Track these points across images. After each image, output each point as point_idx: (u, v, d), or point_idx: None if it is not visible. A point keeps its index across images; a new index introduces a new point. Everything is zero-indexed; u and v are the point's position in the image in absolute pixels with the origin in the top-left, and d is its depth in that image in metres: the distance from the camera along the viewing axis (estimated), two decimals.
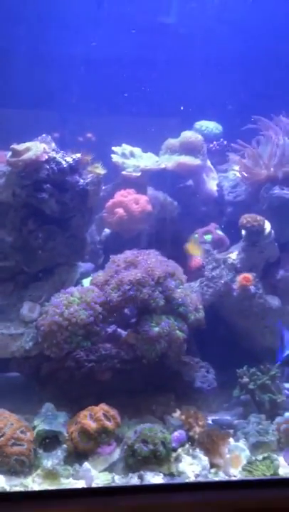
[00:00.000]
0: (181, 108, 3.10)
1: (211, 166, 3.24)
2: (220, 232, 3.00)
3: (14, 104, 3.15)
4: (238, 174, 3.02)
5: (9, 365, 2.52)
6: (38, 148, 2.36)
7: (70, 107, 3.30)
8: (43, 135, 2.51)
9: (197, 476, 2.01)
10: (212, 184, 3.16)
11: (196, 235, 2.98)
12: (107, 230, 2.99)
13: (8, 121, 3.10)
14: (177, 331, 2.33)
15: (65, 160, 2.45)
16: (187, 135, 3.13)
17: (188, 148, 3.09)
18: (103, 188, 2.83)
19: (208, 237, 2.96)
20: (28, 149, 2.36)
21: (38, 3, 3.25)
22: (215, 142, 3.31)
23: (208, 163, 3.22)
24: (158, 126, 3.31)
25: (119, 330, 2.48)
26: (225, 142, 3.29)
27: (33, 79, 3.29)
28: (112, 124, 3.31)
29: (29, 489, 1.91)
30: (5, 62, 3.23)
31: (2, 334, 2.40)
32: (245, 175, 2.99)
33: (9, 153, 2.41)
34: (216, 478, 2.00)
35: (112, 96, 3.41)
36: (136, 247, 2.62)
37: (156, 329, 2.29)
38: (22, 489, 1.90)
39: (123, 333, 2.47)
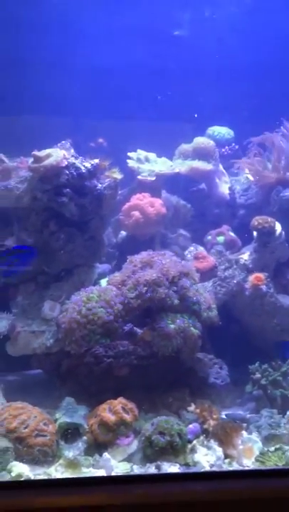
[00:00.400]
0: (196, 116, 3.19)
1: (223, 170, 3.33)
2: (232, 234, 3.08)
3: (27, 111, 3.25)
4: (250, 177, 3.10)
5: (31, 361, 2.62)
6: (58, 154, 2.48)
7: (84, 113, 3.39)
8: (63, 142, 2.62)
9: (212, 465, 2.06)
10: (224, 187, 3.24)
11: (209, 237, 3.07)
12: (123, 232, 3.08)
13: (22, 127, 3.20)
14: (192, 328, 2.42)
15: (84, 165, 2.56)
16: (200, 141, 3.23)
17: (201, 154, 3.18)
18: (119, 192, 2.93)
19: (220, 239, 3.04)
20: (48, 155, 2.48)
21: (57, 13, 3.35)
22: (227, 147, 3.40)
23: (221, 167, 3.31)
24: (171, 131, 3.41)
25: (135, 328, 2.56)
26: (236, 147, 3.38)
27: (46, 86, 3.38)
28: (126, 129, 3.40)
29: (52, 477, 1.99)
30: (20, 69, 3.34)
31: (24, 332, 2.51)
32: (254, 177, 3.08)
33: (31, 160, 2.53)
34: (230, 468, 2.09)
35: (126, 102, 3.50)
36: (151, 248, 2.71)
37: (172, 326, 2.38)
38: (46, 477, 1.99)
39: (139, 331, 2.54)
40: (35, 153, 2.49)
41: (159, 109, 3.36)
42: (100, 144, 3.22)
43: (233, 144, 3.42)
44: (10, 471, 1.97)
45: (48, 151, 2.51)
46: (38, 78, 3.36)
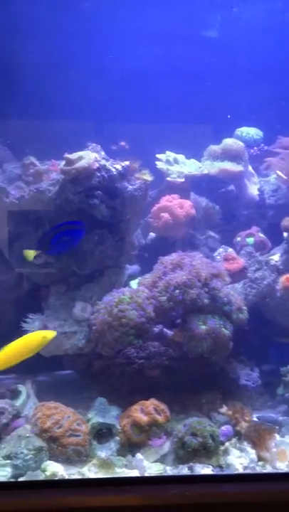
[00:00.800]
0: (228, 116, 3.17)
1: (252, 171, 3.31)
2: (262, 235, 3.04)
3: (50, 115, 3.27)
4: (281, 174, 3.06)
5: (62, 362, 2.64)
6: (89, 157, 2.50)
7: (107, 116, 3.41)
8: (94, 144, 2.64)
9: (245, 468, 2.06)
10: (253, 188, 3.22)
11: (239, 238, 3.05)
12: (152, 234, 3.08)
13: (45, 131, 3.22)
14: (223, 329, 2.41)
15: (115, 167, 2.57)
16: (229, 142, 3.21)
17: (230, 155, 3.17)
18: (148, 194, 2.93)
19: (250, 240, 3.01)
20: (80, 158, 2.50)
21: (87, 17, 3.36)
22: (256, 148, 3.38)
23: (250, 168, 3.29)
24: (199, 133, 3.39)
25: (165, 329, 2.57)
26: (265, 147, 3.36)
27: (73, 89, 3.40)
28: (153, 132, 3.40)
29: (86, 477, 2.00)
30: (48, 73, 3.36)
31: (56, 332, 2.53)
32: (284, 177, 3.05)
33: (62, 162, 2.55)
34: (264, 471, 2.07)
35: (153, 104, 3.50)
36: (180, 250, 2.70)
37: (203, 327, 2.38)
38: (79, 477, 2.00)
39: (169, 332, 2.55)
40: (67, 155, 2.51)
41: (187, 110, 3.35)
42: (122, 146, 3.22)
43: (262, 145, 3.40)
44: (44, 470, 2.00)
45: (79, 153, 2.53)
46: (65, 82, 3.38)
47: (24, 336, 2.19)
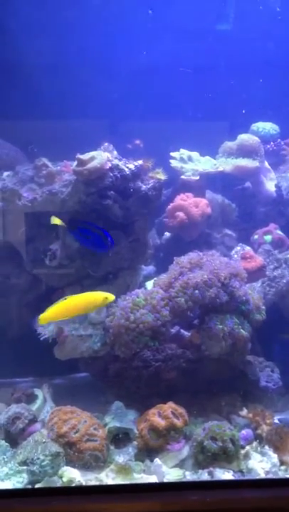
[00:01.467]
0: (243, 111, 3.11)
1: (269, 167, 3.24)
2: (280, 233, 2.98)
3: (63, 115, 3.24)
4: None
5: (78, 365, 2.61)
6: (102, 157, 2.46)
7: (121, 114, 3.36)
8: (106, 144, 2.60)
9: (267, 473, 2.00)
10: (270, 185, 3.15)
11: (256, 236, 2.99)
12: (167, 234, 3.04)
13: (58, 131, 3.19)
14: (241, 330, 2.36)
15: (128, 167, 2.53)
16: (244, 138, 3.15)
17: (246, 151, 3.11)
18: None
19: (268, 238, 2.95)
20: (92, 158, 2.46)
21: (97, 14, 3.32)
22: (272, 143, 3.31)
23: (266, 164, 3.22)
24: (213, 130, 3.33)
25: (182, 330, 2.53)
26: (282, 143, 3.29)
27: (84, 88, 3.36)
28: (166, 130, 3.34)
29: (103, 483, 1.97)
30: (58, 73, 3.33)
31: (72, 335, 2.50)
32: None
33: (74, 163, 2.52)
34: (287, 475, 2.01)
35: (166, 102, 3.44)
36: (196, 249, 2.66)
37: (221, 327, 2.33)
38: (97, 483, 1.96)
39: (186, 333, 2.51)
40: (79, 156, 2.48)
41: (201, 107, 3.29)
42: (137, 145, 3.18)
43: (279, 140, 3.33)
44: (61, 476, 1.97)
45: (91, 153, 2.49)
46: (76, 80, 3.34)
47: (87, 293, 2.25)
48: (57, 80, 3.25)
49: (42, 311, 2.57)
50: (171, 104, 3.40)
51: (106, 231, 2.45)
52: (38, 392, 2.53)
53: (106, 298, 2.21)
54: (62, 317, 2.20)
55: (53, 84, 3.25)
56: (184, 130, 3.27)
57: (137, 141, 2.88)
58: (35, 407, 2.42)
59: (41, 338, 2.49)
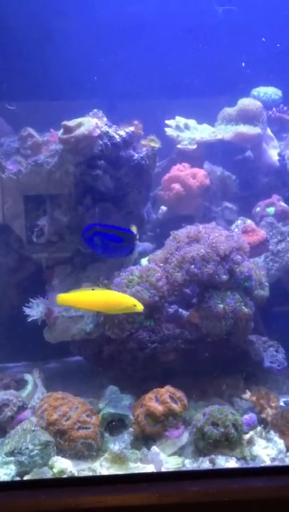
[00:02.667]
0: (243, 64, 2.90)
1: (272, 134, 3.07)
2: (283, 204, 2.83)
3: (58, 95, 3.06)
4: None
5: (69, 348, 2.49)
6: (90, 123, 2.29)
7: (118, 92, 3.18)
8: (95, 110, 2.43)
9: (273, 459, 1.91)
10: (273, 154, 2.99)
11: (258, 209, 2.83)
12: (163, 208, 2.88)
13: (55, 111, 3.01)
14: (243, 307, 2.21)
15: (119, 134, 2.36)
16: (245, 102, 2.96)
17: (247, 117, 2.92)
18: (157, 164, 2.72)
19: (271, 210, 2.81)
20: (79, 125, 2.29)
21: None
22: (274, 109, 3.12)
23: (268, 131, 3.05)
24: (212, 98, 3.13)
25: (180, 310, 2.40)
26: (285, 108, 3.10)
27: (75, 66, 3.17)
28: (163, 107, 3.16)
29: (97, 473, 1.87)
30: (49, 49, 3.14)
31: (62, 317, 2.37)
32: None
33: (61, 131, 2.35)
34: None
35: (162, 78, 3.25)
36: (194, 223, 2.50)
37: (222, 306, 2.18)
38: (90, 473, 1.88)
39: (185, 313, 2.38)
40: (65, 123, 2.30)
41: (198, 72, 3.08)
42: (135, 126, 3.00)
43: (282, 105, 3.14)
44: (52, 467, 1.88)
45: (79, 120, 2.32)
46: (62, 59, 3.13)
47: (117, 293, 2.09)
48: (46, 57, 3.05)
49: (32, 292, 2.46)
50: (168, 72, 3.20)
51: (125, 228, 2.20)
52: (28, 377, 2.44)
53: (135, 305, 2.01)
54: (82, 307, 2.09)
55: (41, 61, 3.06)
56: (180, 97, 3.08)
57: (136, 122, 2.67)
58: (25, 393, 2.33)
59: (29, 320, 2.33)
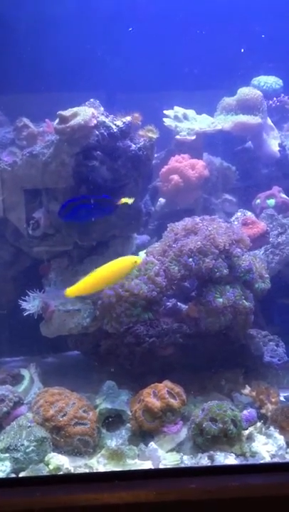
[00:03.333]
0: (242, 50, 2.83)
1: (272, 125, 3.01)
2: (284, 196, 2.79)
3: (55, 87, 3.01)
4: None
5: (67, 343, 2.45)
6: (86, 112, 2.23)
7: (117, 85, 3.12)
8: (91, 99, 2.37)
9: (273, 456, 1.88)
10: (273, 144, 2.93)
11: (258, 200, 2.78)
12: (162, 200, 2.84)
13: (49, 104, 2.96)
14: (243, 301, 2.17)
15: (115, 124, 2.31)
16: (244, 91, 2.90)
17: (247, 106, 2.87)
18: (155, 155, 2.67)
19: (271, 202, 2.77)
20: (75, 114, 2.24)
21: None
22: (275, 98, 3.07)
23: (269, 121, 2.99)
24: (211, 86, 3.07)
25: (179, 304, 2.36)
26: (286, 98, 3.04)
27: (72, 57, 3.11)
28: (161, 98, 3.09)
29: (94, 470, 1.85)
30: (51, 47, 3.07)
31: (59, 311, 2.33)
32: None
33: (56, 120, 2.29)
34: None
35: (162, 71, 3.19)
36: (194, 216, 2.45)
37: (221, 300, 2.13)
38: (87, 470, 1.85)
39: (183, 306, 2.34)
40: (61, 112, 2.25)
41: (197, 61, 3.01)
42: (136, 118, 2.94)
43: (283, 95, 3.08)
44: (48, 464, 1.86)
45: (74, 109, 2.27)
46: (62, 52, 3.07)
47: (114, 260, 2.08)
48: (43, 48, 2.99)
49: (29, 285, 2.42)
50: (167, 62, 3.13)
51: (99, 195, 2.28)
52: (25, 372, 2.41)
53: (135, 261, 2.06)
54: (92, 290, 2.08)
55: (37, 52, 2.99)
56: (180, 88, 3.02)
57: (136, 115, 2.60)
58: (21, 388, 2.29)
59: (25, 314, 2.29)
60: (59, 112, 2.26)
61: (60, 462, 1.84)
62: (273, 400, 2.09)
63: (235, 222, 2.74)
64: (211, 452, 1.86)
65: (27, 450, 1.85)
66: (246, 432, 1.95)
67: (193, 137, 2.78)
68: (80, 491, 1.65)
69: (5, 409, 2.07)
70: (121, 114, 2.35)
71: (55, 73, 2.96)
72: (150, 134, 2.37)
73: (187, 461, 1.86)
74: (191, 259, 2.13)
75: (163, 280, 2.19)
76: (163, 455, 1.88)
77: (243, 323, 2.23)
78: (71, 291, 2.01)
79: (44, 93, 2.93)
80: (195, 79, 3.02)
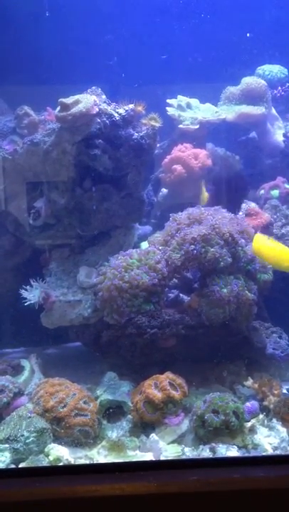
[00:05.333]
0: (248, 35, 2.79)
1: (277, 114, 2.98)
2: (288, 187, 2.76)
3: (61, 80, 2.97)
4: None
5: (68, 333, 2.43)
6: (88, 100, 2.20)
7: (121, 78, 3.08)
8: (93, 87, 2.34)
9: (275, 448, 1.87)
10: (278, 134, 2.91)
11: (262, 191, 2.75)
12: (164, 190, 2.80)
13: (52, 96, 2.93)
14: (246, 292, 2.15)
15: (118, 112, 2.27)
16: (249, 81, 2.86)
17: (251, 96, 2.83)
18: (158, 145, 2.63)
19: (275, 193, 2.74)
20: (77, 102, 2.20)
21: None
22: (280, 88, 3.02)
23: (273, 111, 2.95)
24: (214, 75, 3.02)
25: (181, 295, 2.34)
26: None
27: (74, 49, 3.07)
28: (164, 88, 3.05)
29: (94, 461, 1.83)
30: (55, 39, 3.03)
31: (60, 301, 2.31)
32: None
33: (57, 108, 2.26)
34: None
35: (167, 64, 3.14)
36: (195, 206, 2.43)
37: (224, 291, 2.11)
38: (87, 461, 1.84)
39: (185, 298, 2.32)
40: (62, 100, 2.21)
41: (200, 49, 2.97)
42: (139, 111, 2.90)
43: (288, 84, 3.03)
44: (48, 455, 1.84)
45: (76, 97, 2.23)
46: (69, 45, 3.03)
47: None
48: (45, 40, 2.95)
49: (29, 276, 2.39)
50: (170, 50, 3.08)
51: None
52: (25, 363, 2.39)
53: None
54: (268, 258, 2.14)
55: (41, 45, 2.96)
56: (183, 77, 2.97)
57: (139, 107, 2.56)
58: (21, 379, 2.28)
59: (25, 304, 2.27)
60: (60, 100, 2.23)
61: (61, 453, 1.83)
62: (276, 392, 2.06)
63: (240, 213, 2.71)
64: (213, 444, 1.84)
65: (27, 441, 1.83)
66: (248, 424, 1.93)
67: (197, 127, 2.74)
68: (80, 482, 1.63)
69: (5, 399, 2.05)
70: (123, 103, 2.31)
71: (58, 65, 2.93)
72: (153, 123, 2.34)
73: (189, 453, 1.85)
74: (193, 247, 2.09)
75: (164, 267, 2.16)
76: (164, 447, 1.87)
77: (246, 315, 2.21)
78: (257, 245, 2.09)
79: (46, 85, 2.91)
80: (199, 68, 2.98)
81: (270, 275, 2.31)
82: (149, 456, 1.83)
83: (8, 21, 2.97)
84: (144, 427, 1.97)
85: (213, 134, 2.93)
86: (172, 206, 2.68)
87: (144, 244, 2.50)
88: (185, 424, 1.97)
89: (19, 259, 2.58)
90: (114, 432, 1.94)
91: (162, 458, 1.82)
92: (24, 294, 2.30)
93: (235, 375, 2.25)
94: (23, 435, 1.84)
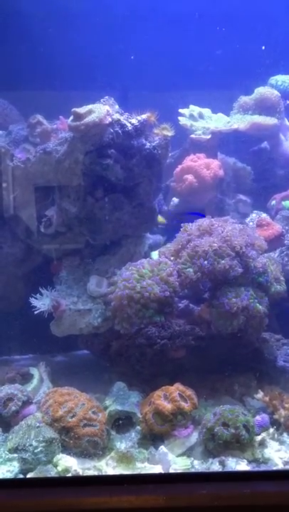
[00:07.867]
0: (263, 48, 2.78)
1: None
2: None
3: (68, 85, 2.98)
4: None
5: (77, 342, 2.43)
6: (101, 110, 2.20)
7: (132, 84, 3.09)
8: (106, 97, 2.34)
9: (286, 463, 1.83)
10: None
11: (274, 202, 2.73)
12: (175, 199, 2.79)
13: (63, 102, 2.93)
14: (257, 304, 2.13)
15: (130, 122, 2.27)
16: (262, 91, 2.86)
17: (264, 106, 2.82)
18: (170, 154, 2.63)
19: (287, 204, 2.72)
20: (90, 112, 2.21)
21: None
22: None
23: (286, 121, 2.94)
24: (227, 85, 3.02)
25: (191, 305, 2.32)
26: None
27: (87, 56, 3.08)
28: (177, 97, 3.05)
29: (103, 473, 1.81)
30: (66, 46, 3.05)
31: (70, 310, 2.30)
32: None
33: (71, 118, 2.26)
34: None
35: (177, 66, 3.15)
36: (207, 216, 2.42)
37: (234, 302, 2.09)
38: (96, 473, 1.82)
39: (196, 308, 2.30)
40: (76, 109, 2.22)
41: (214, 60, 2.97)
42: (152, 122, 2.90)
43: None
44: (56, 465, 1.83)
45: (89, 106, 2.23)
46: (78, 52, 3.04)
47: None
48: (58, 47, 2.97)
49: (40, 284, 2.39)
50: (183, 59, 3.08)
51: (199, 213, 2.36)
52: (34, 371, 2.39)
53: None
54: None
55: (53, 52, 2.97)
56: (195, 86, 2.97)
57: (149, 114, 2.56)
58: (30, 387, 2.28)
59: (35, 312, 2.26)
60: (73, 109, 2.23)
61: (69, 464, 1.81)
62: (287, 405, 2.03)
63: (251, 223, 2.70)
64: (223, 457, 1.82)
65: (35, 451, 1.82)
66: (258, 438, 1.91)
67: (209, 137, 2.74)
68: (88, 494, 1.62)
69: (14, 408, 2.05)
70: (136, 113, 2.31)
71: (70, 71, 2.94)
72: (165, 132, 2.33)
73: (198, 466, 1.83)
74: (206, 262, 2.08)
75: (176, 280, 2.15)
76: (173, 459, 1.85)
77: (256, 326, 2.19)
78: None
79: (58, 91, 2.92)
80: (211, 77, 2.97)
81: (283, 286, 2.29)
82: (158, 469, 1.81)
83: (21, 29, 2.99)
84: (153, 438, 1.95)
85: (225, 143, 2.92)
86: (183, 216, 2.68)
87: (155, 254, 2.49)
88: (194, 437, 1.95)
89: (30, 267, 2.58)
90: (122, 443, 1.92)
91: (171, 470, 1.80)
92: (34, 302, 2.30)
93: (245, 387, 2.23)
94: (31, 445, 1.83)
